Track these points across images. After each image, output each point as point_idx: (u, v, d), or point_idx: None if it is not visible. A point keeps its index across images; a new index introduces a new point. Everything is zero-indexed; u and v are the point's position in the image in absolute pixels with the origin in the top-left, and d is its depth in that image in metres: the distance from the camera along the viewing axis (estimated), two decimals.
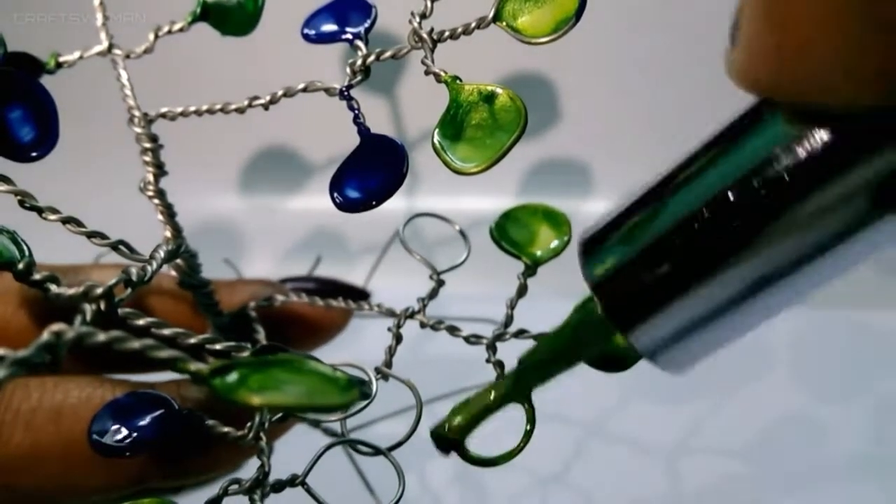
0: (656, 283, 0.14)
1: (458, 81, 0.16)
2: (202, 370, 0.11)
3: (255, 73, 0.41)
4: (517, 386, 0.17)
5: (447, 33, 0.17)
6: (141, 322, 0.16)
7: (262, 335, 0.22)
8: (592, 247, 0.15)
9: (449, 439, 0.17)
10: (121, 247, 0.17)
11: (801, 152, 0.12)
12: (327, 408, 0.10)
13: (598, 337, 0.15)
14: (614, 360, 0.18)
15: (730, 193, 0.13)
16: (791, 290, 0.13)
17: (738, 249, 0.13)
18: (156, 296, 0.22)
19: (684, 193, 0.14)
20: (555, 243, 0.21)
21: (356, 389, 0.11)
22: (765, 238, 0.12)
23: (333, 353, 0.21)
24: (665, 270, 0.14)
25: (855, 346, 0.42)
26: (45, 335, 0.12)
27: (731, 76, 0.12)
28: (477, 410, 0.17)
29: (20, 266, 0.15)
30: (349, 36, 0.19)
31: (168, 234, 0.19)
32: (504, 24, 0.16)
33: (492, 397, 0.17)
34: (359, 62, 0.18)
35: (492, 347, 0.19)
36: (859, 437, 0.38)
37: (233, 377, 0.11)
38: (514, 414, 0.18)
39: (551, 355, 0.16)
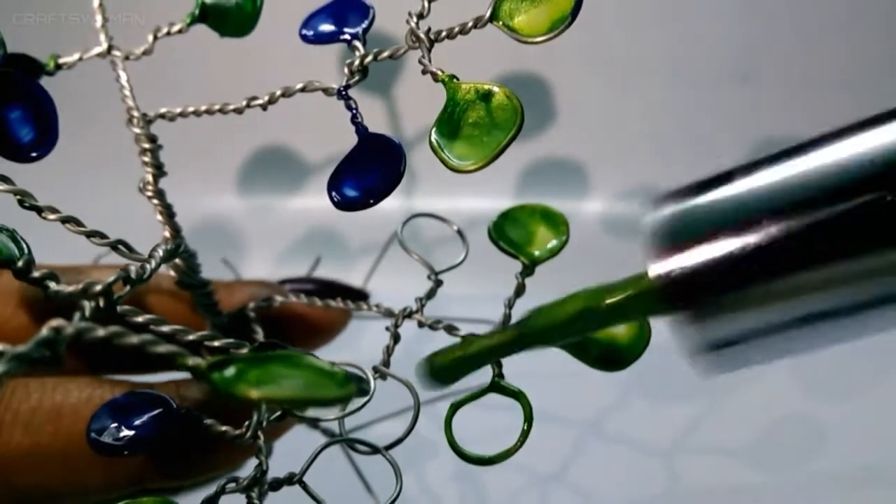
0: (733, 276, 0.12)
1: (455, 80, 0.17)
2: (201, 365, 0.11)
3: (253, 73, 0.41)
4: (520, 339, 0.15)
5: (444, 33, 0.17)
6: (140, 319, 0.16)
7: (260, 336, 0.22)
8: (665, 214, 0.13)
9: (438, 371, 0.16)
10: (120, 246, 0.17)
11: None
12: (325, 401, 0.10)
13: (636, 312, 0.13)
14: (614, 359, 0.18)
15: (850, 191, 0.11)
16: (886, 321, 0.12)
17: (844, 259, 0.11)
18: (154, 295, 0.22)
19: (803, 179, 0.11)
20: (552, 243, 0.21)
21: (354, 384, 0.11)
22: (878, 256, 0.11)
23: (332, 354, 0.21)
24: (748, 265, 0.11)
25: (855, 346, 0.42)
26: (45, 330, 0.12)
27: None
28: (468, 353, 0.16)
29: (19, 264, 0.15)
30: (347, 36, 0.19)
31: (167, 233, 0.19)
32: (500, 23, 0.16)
33: (490, 342, 0.16)
34: (356, 62, 0.18)
35: None
36: (859, 437, 0.38)
37: (231, 371, 0.11)
38: (512, 412, 0.18)
39: (574, 318, 0.14)
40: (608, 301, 0.14)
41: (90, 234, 0.17)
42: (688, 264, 0.12)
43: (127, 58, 0.21)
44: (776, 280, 0.12)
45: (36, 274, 0.15)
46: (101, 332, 0.12)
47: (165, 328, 0.16)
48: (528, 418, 0.17)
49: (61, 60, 0.21)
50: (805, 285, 0.11)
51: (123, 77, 0.21)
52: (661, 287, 0.12)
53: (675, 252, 0.12)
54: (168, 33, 0.21)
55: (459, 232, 0.23)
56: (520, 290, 0.20)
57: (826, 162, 0.12)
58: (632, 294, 0.13)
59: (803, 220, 0.11)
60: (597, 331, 0.15)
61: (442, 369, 0.16)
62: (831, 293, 0.11)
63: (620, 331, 0.19)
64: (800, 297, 0.12)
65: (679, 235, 0.12)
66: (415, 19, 0.17)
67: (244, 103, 0.19)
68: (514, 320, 0.20)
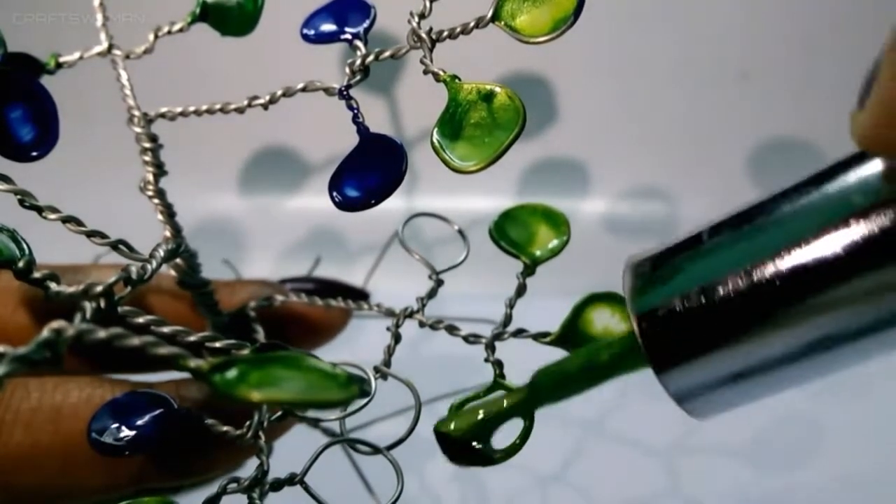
0: (707, 328, 0.13)
1: (456, 80, 0.17)
2: (202, 366, 0.11)
3: (254, 73, 0.41)
4: (529, 399, 0.16)
5: (446, 33, 0.17)
6: (140, 320, 0.16)
7: (261, 335, 0.22)
8: (644, 274, 0.14)
9: (454, 440, 0.16)
10: (120, 246, 0.17)
11: None
12: (327, 403, 0.10)
13: (631, 366, 0.15)
14: None
15: (813, 242, 0.12)
16: (854, 356, 0.12)
17: (808, 306, 0.12)
18: (155, 295, 0.22)
19: (757, 236, 0.13)
20: (553, 243, 0.21)
21: (356, 386, 0.11)
22: (845, 295, 0.11)
23: (333, 353, 0.21)
24: (721, 317, 0.13)
25: None
26: (45, 332, 0.12)
27: (856, 137, 0.12)
28: (481, 418, 0.16)
29: (20, 264, 0.15)
30: (348, 36, 0.19)
31: (168, 233, 0.19)
32: (502, 23, 0.16)
33: (501, 406, 0.16)
34: (358, 62, 0.18)
35: (490, 347, 0.19)
36: (859, 437, 0.38)
37: (232, 373, 0.11)
38: None
39: (578, 374, 0.15)
40: (606, 357, 0.15)
41: (91, 234, 0.17)
42: (670, 327, 0.13)
43: (128, 57, 0.21)
44: (760, 327, 0.12)
45: (37, 274, 0.15)
46: (102, 333, 0.12)
47: (166, 329, 0.16)
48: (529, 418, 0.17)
49: (62, 59, 0.20)
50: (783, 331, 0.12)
51: (124, 76, 0.21)
52: (647, 350, 0.14)
53: (656, 315, 0.13)
54: (169, 32, 0.21)
55: (460, 231, 0.23)
56: (521, 290, 0.20)
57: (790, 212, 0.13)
58: (626, 352, 0.15)
59: (773, 271, 0.12)
60: (600, 384, 0.16)
61: (457, 439, 0.16)
62: (804, 331, 0.12)
63: (620, 330, 0.19)
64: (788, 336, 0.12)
65: (658, 297, 0.14)
66: (416, 19, 0.17)
67: (245, 103, 0.19)
68: (514, 321, 0.20)
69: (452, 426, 0.16)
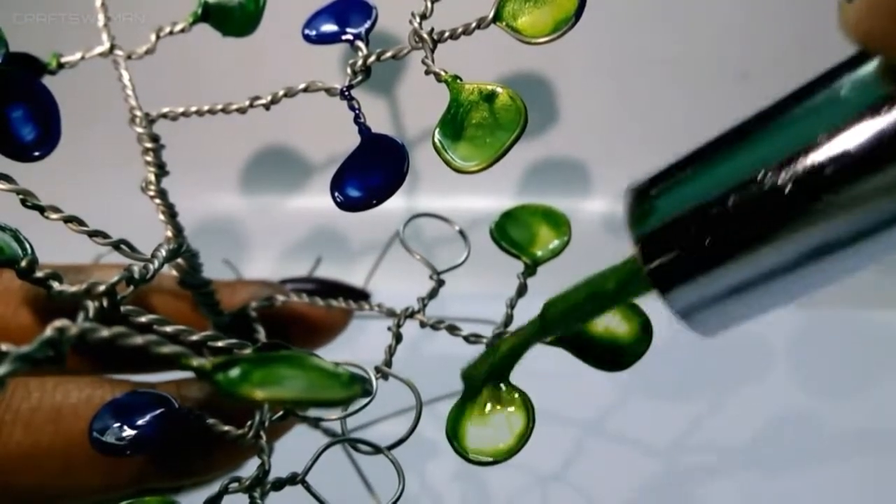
0: (705, 244, 0.13)
1: (458, 81, 0.17)
2: (205, 365, 0.11)
3: (256, 73, 0.41)
4: (541, 329, 0.17)
5: (447, 33, 0.17)
6: (143, 319, 0.16)
7: (262, 335, 0.22)
8: (642, 198, 0.14)
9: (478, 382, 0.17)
10: (122, 246, 0.17)
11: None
12: (330, 402, 0.10)
13: (636, 290, 0.15)
14: (615, 360, 0.18)
15: (811, 153, 0.12)
16: (853, 260, 0.12)
17: (806, 214, 0.12)
18: (157, 295, 0.22)
19: (754, 148, 0.13)
20: (554, 243, 0.21)
21: (359, 385, 0.11)
22: (838, 203, 0.11)
23: (334, 353, 0.21)
24: (718, 232, 0.13)
25: (855, 346, 0.42)
26: (49, 331, 0.12)
27: (842, 27, 0.12)
28: (500, 353, 0.17)
29: (23, 263, 0.15)
30: (350, 36, 0.19)
31: (169, 233, 0.19)
32: (504, 24, 0.16)
33: (516, 339, 0.17)
34: (359, 62, 0.18)
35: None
36: (859, 437, 0.39)
37: (235, 372, 0.11)
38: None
39: (585, 303, 0.16)
40: (611, 284, 0.15)
41: (92, 234, 0.17)
42: (670, 246, 0.13)
43: (129, 57, 0.21)
44: (763, 236, 0.12)
45: (39, 274, 0.15)
46: (105, 332, 0.12)
47: (169, 328, 0.16)
48: (530, 418, 0.17)
49: (63, 59, 0.20)
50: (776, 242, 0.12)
51: (126, 76, 0.21)
52: (649, 272, 0.13)
53: (656, 236, 0.13)
54: (170, 33, 0.21)
55: (461, 232, 0.23)
56: (522, 290, 0.20)
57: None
58: (630, 277, 0.15)
59: (762, 186, 0.12)
60: (607, 311, 0.16)
61: (476, 379, 0.17)
62: (803, 239, 0.12)
63: (622, 331, 0.19)
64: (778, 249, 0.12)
65: (658, 218, 0.14)
66: (418, 19, 0.17)
67: (247, 103, 0.19)
68: (515, 321, 0.20)
69: (472, 372, 0.17)
